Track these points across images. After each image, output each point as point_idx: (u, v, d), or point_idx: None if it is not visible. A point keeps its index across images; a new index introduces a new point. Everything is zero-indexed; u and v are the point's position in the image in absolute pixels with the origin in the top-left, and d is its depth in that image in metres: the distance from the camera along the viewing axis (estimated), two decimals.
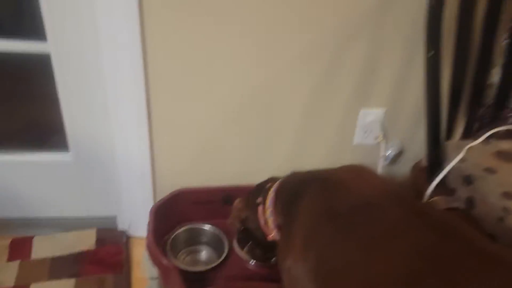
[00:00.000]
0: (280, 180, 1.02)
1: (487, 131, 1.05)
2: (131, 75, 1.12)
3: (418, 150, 1.38)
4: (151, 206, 1.35)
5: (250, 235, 1.12)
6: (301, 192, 0.87)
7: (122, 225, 1.43)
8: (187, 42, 1.10)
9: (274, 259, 1.22)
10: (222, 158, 1.32)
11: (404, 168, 1.42)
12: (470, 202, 0.96)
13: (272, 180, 1.10)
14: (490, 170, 0.96)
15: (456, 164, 1.00)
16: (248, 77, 1.17)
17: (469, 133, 1.09)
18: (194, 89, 1.18)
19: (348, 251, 0.71)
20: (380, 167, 1.33)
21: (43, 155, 1.33)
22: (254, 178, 1.35)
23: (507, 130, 1.08)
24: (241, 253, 1.25)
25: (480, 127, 1.11)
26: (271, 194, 1.01)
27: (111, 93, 1.16)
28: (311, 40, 1.13)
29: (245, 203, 1.11)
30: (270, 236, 1.05)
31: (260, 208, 1.05)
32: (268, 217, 1.01)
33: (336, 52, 1.16)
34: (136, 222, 1.41)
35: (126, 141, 1.24)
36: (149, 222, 1.20)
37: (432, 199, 1.00)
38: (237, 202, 1.14)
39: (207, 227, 1.32)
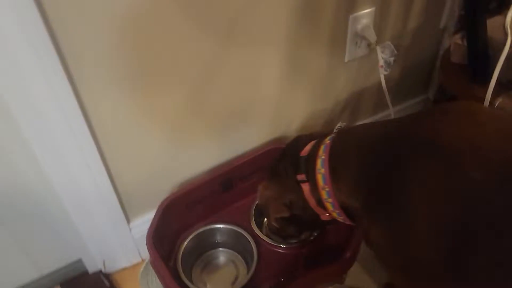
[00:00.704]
0: (327, 144, 0.74)
1: None
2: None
3: (408, 48, 1.19)
4: (128, 229, 1.00)
5: (297, 221, 0.85)
6: (397, 167, 0.60)
7: (93, 267, 1.05)
8: None
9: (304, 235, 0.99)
10: (196, 138, 0.98)
11: (395, 71, 1.22)
12: None
13: (303, 141, 0.81)
14: None
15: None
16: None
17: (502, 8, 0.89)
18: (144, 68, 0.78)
19: None
20: (382, 79, 1.11)
21: None
22: (243, 145, 1.06)
23: None
24: (267, 238, 1.00)
25: None
26: (322, 170, 0.73)
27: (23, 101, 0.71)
28: None
29: (277, 185, 0.82)
30: (327, 215, 0.80)
31: (305, 186, 0.77)
32: (325, 198, 0.74)
33: None
34: (111, 254, 1.04)
35: (64, 164, 0.82)
36: (154, 262, 0.85)
37: (496, 103, 0.82)
38: (263, 189, 0.85)
39: (216, 226, 1.01)
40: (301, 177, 0.77)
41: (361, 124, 0.74)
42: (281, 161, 0.83)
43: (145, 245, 0.90)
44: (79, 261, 1.05)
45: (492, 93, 0.83)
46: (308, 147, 0.79)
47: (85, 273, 1.06)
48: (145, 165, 0.94)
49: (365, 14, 1.02)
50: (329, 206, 0.75)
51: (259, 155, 1.03)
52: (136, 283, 1.05)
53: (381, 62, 1.09)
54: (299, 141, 0.82)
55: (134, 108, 0.83)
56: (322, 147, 0.75)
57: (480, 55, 0.84)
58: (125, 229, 1.01)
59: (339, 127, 0.87)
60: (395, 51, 1.12)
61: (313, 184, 0.75)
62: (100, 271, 1.05)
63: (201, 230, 1.00)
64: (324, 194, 0.74)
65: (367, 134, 0.70)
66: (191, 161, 1.00)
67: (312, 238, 0.98)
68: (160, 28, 0.76)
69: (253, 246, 0.97)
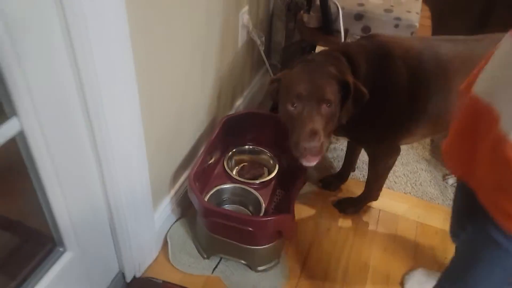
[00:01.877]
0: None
1: None
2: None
3: (262, 30, 1.67)
4: (154, 220, 1.17)
5: None
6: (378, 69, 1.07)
7: (129, 276, 1.16)
8: None
9: None
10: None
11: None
12: (366, 29, 1.42)
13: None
14: (361, 4, 1.42)
15: (342, 11, 1.40)
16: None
17: None
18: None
19: None
20: (262, 52, 1.57)
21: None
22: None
23: None
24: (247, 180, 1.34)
25: None
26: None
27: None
28: None
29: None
30: None
31: None
32: None
33: None
34: (142, 254, 1.17)
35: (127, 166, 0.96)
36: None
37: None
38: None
39: (221, 188, 1.30)
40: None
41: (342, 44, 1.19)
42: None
43: (164, 233, 1.19)
44: (119, 274, 1.14)
45: (339, 38, 1.41)
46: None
47: (126, 284, 1.16)
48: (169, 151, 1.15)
49: (246, 10, 1.44)
50: None
51: (217, 134, 1.34)
52: (168, 269, 1.22)
53: (258, 42, 1.55)
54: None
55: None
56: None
57: (327, 18, 1.41)
58: (152, 221, 1.16)
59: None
60: (261, 34, 1.60)
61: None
62: (134, 277, 1.17)
63: (209, 194, 1.26)
64: None
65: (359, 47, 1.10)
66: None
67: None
68: None
69: (252, 191, 1.30)
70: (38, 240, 0.89)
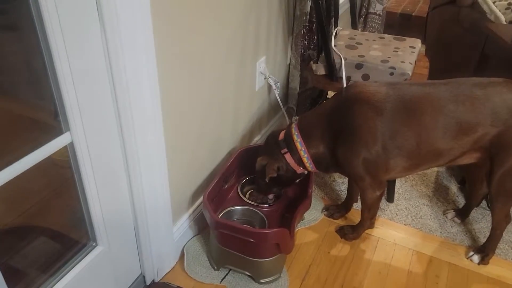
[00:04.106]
0: (295, 127, 1.36)
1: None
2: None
3: (278, 77, 1.93)
4: (172, 232, 1.37)
5: (280, 180, 1.43)
6: (345, 119, 1.28)
7: (149, 279, 1.35)
8: None
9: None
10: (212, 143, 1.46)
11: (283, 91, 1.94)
12: (365, 76, 1.62)
13: (275, 134, 1.41)
14: (362, 55, 1.64)
15: (345, 61, 1.62)
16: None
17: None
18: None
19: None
20: (277, 96, 1.80)
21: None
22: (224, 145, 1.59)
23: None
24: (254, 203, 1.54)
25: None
26: (298, 140, 1.35)
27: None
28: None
29: (268, 158, 1.39)
30: (301, 169, 1.41)
31: (287, 155, 1.37)
32: (303, 155, 1.36)
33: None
34: (161, 261, 1.37)
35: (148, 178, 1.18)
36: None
37: (353, 83, 1.60)
38: (260, 160, 1.40)
39: (232, 209, 1.50)
40: (284, 150, 1.37)
41: (309, 112, 1.38)
42: (266, 146, 1.41)
43: (182, 246, 1.38)
44: (140, 276, 1.33)
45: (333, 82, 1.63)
46: (281, 135, 1.39)
47: (146, 286, 1.35)
48: (188, 174, 1.36)
49: (263, 60, 1.70)
50: (305, 160, 1.37)
51: (231, 163, 1.56)
52: (183, 277, 1.40)
53: (274, 87, 1.79)
54: (274, 134, 1.42)
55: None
56: (293, 129, 1.37)
57: (332, 67, 1.63)
58: (171, 232, 1.37)
59: (295, 118, 1.49)
60: (277, 80, 1.84)
61: (293, 151, 1.36)
62: (153, 281, 1.36)
63: (222, 213, 1.46)
64: (302, 153, 1.36)
65: (318, 113, 1.36)
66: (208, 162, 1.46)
67: (280, 197, 1.57)
68: None
69: (259, 212, 1.49)
70: (75, 235, 1.12)
